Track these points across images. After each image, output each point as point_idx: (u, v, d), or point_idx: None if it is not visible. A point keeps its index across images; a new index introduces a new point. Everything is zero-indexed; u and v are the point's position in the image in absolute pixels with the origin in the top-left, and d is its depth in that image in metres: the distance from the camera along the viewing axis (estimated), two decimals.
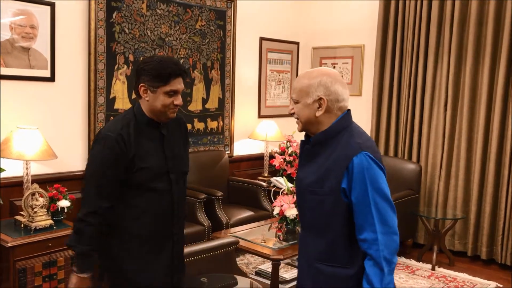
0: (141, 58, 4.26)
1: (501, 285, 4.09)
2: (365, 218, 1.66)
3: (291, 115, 1.86)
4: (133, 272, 2.03)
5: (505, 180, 4.41)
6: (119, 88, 4.16)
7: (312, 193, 1.77)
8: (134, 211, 2.00)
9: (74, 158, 3.96)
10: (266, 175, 5.33)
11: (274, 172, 5.31)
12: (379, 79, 5.21)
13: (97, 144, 1.97)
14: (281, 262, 3.44)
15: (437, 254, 4.44)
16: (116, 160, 1.93)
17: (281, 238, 3.78)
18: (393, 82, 5.12)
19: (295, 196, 3.80)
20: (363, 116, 5.45)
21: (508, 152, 4.38)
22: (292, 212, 3.71)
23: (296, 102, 1.82)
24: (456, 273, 4.29)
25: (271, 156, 5.34)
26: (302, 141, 1.90)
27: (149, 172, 1.98)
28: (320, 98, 1.76)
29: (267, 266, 3.79)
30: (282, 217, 3.77)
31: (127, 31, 4.17)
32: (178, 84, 1.98)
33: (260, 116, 5.55)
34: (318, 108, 1.77)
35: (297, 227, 3.74)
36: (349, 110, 1.82)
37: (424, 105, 4.89)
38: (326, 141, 1.78)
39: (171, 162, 2.05)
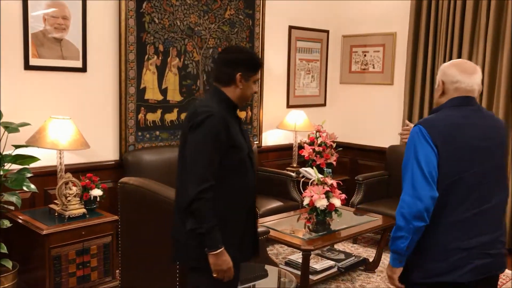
0: (170, 49, 4.27)
1: None
2: (404, 180, 1.90)
3: None
4: (234, 248, 2.08)
5: None
6: (149, 79, 4.18)
7: None
8: (229, 189, 2.06)
9: (105, 148, 4.01)
10: (295, 165, 5.29)
11: (303, 162, 5.26)
12: (411, 68, 5.09)
13: (203, 122, 1.99)
14: (311, 252, 3.41)
15: None
16: (220, 138, 2.00)
17: (310, 229, 3.75)
18: (426, 71, 4.99)
19: (325, 187, 3.77)
20: (394, 106, 5.35)
21: None
22: (322, 202, 3.67)
23: None
24: None
25: (300, 147, 5.29)
26: None
27: (240, 151, 2.10)
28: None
29: (297, 257, 3.77)
30: (312, 208, 3.73)
31: (156, 21, 4.17)
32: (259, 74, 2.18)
33: (288, 106, 5.50)
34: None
35: None
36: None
37: None
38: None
39: (248, 143, 2.20)
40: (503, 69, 4.46)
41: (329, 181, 3.77)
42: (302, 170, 5.05)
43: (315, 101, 5.87)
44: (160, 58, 4.23)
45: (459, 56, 4.73)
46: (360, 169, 5.60)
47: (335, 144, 5.30)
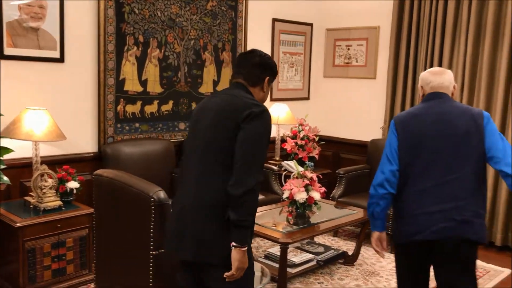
0: (150, 39, 4.22)
1: None
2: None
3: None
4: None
5: None
6: (129, 70, 4.13)
7: None
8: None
9: (84, 140, 3.96)
10: (277, 159, 5.28)
11: (286, 156, 5.25)
12: (394, 61, 5.09)
13: (262, 115, 2.03)
14: (290, 245, 3.41)
15: None
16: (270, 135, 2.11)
17: (291, 222, 3.74)
18: (408, 64, 5.00)
19: (305, 180, 3.76)
20: (377, 100, 5.35)
21: None
22: (301, 196, 3.66)
23: None
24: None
25: (283, 140, 5.28)
26: None
27: None
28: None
29: (276, 250, 3.76)
30: (292, 201, 3.72)
31: (136, 11, 4.11)
32: None
33: (272, 99, 5.48)
34: None
35: None
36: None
37: None
38: None
39: None
40: (483, 62, 4.48)
41: (309, 174, 3.76)
42: (284, 163, 5.04)
43: (299, 94, 5.85)
44: (140, 49, 4.18)
45: (441, 50, 4.74)
46: (342, 162, 5.61)
47: (317, 137, 5.29)
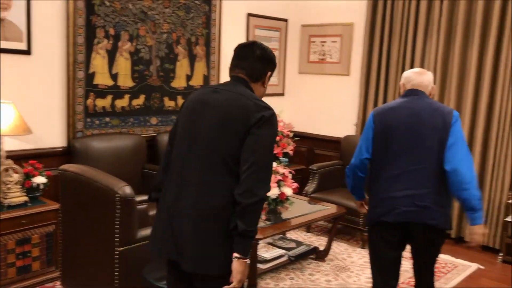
0: (122, 32, 4.15)
1: (482, 267, 4.08)
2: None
3: None
4: None
5: (490, 163, 4.38)
6: (99, 63, 4.05)
7: None
8: None
9: (51, 134, 3.87)
10: None
11: None
12: (367, 59, 5.12)
13: (271, 119, 1.90)
14: (261, 241, 3.40)
15: None
16: None
17: (263, 218, 3.73)
18: (381, 62, 5.03)
19: (277, 176, 3.75)
20: (351, 96, 5.37)
21: (493, 135, 4.34)
22: (273, 191, 3.65)
23: None
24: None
25: None
26: None
27: None
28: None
29: None
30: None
31: (107, 3, 4.03)
32: None
33: None
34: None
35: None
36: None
37: None
38: None
39: None
40: (454, 61, 4.53)
41: (281, 170, 3.75)
42: None
43: (274, 90, 5.84)
44: (110, 42, 4.10)
45: (413, 48, 4.78)
46: (317, 158, 5.62)
47: (292, 133, 5.30)
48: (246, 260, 1.84)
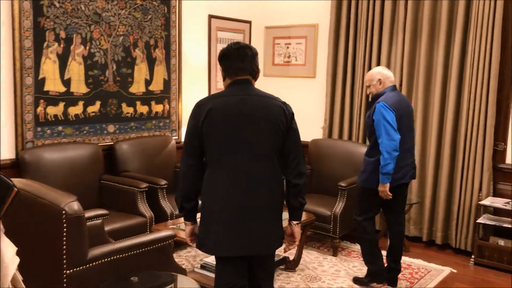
0: (74, 35, 3.89)
1: (455, 270, 4.00)
2: (379, 132, 3.25)
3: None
4: None
5: (459, 164, 4.31)
6: (49, 68, 3.77)
7: (366, 122, 3.45)
8: None
9: None
10: None
11: None
12: (333, 60, 5.00)
13: (294, 114, 2.34)
14: None
15: None
16: None
17: None
18: (347, 63, 4.92)
19: None
20: (317, 99, 5.24)
21: (462, 135, 4.27)
22: None
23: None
24: (411, 260, 4.18)
25: None
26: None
27: None
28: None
29: (213, 259, 3.52)
30: None
31: (57, 4, 3.77)
32: None
33: None
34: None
35: None
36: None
37: None
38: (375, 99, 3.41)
39: None
40: (421, 60, 4.46)
41: None
42: None
43: None
44: (62, 45, 3.83)
45: (379, 49, 4.69)
46: None
47: None
48: (299, 223, 2.40)
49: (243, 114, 2.19)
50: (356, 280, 3.69)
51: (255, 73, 2.30)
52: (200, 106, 2.22)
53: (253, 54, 2.27)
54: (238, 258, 2.25)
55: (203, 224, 2.25)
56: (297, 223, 2.36)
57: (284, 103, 2.30)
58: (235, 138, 2.19)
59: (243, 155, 2.18)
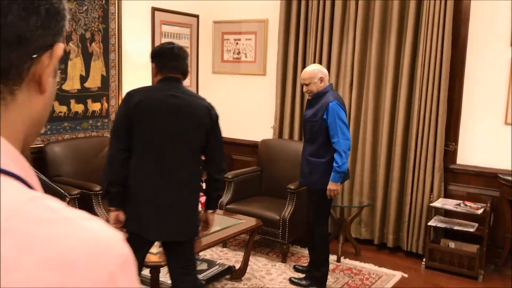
0: None
1: (406, 275, 3.89)
2: (334, 132, 3.24)
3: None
4: None
5: (410, 164, 4.20)
6: None
7: (310, 122, 3.38)
8: None
9: None
10: None
11: None
12: (283, 57, 4.80)
13: (218, 115, 2.55)
14: (161, 268, 2.93)
15: (343, 244, 4.15)
16: None
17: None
18: (297, 61, 4.73)
19: None
20: (268, 97, 5.03)
21: (413, 135, 4.17)
22: None
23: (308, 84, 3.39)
24: (362, 264, 4.04)
25: None
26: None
27: None
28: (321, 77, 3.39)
29: (148, 271, 3.25)
30: None
31: None
32: None
33: None
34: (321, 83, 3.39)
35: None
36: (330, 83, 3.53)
37: None
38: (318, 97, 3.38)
39: None
40: (371, 59, 4.33)
41: None
42: None
43: None
44: None
45: (330, 46, 4.53)
46: (234, 164, 5.23)
47: None
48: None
49: (170, 110, 2.34)
50: (293, 281, 3.56)
51: (186, 74, 2.46)
52: (131, 95, 2.37)
53: (186, 55, 2.47)
54: (149, 241, 2.54)
55: (130, 209, 2.41)
56: (212, 212, 2.62)
57: (210, 104, 2.47)
58: (161, 132, 2.34)
59: (168, 148, 2.35)
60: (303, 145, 3.62)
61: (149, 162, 2.36)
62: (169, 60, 2.38)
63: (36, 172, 1.44)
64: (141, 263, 2.63)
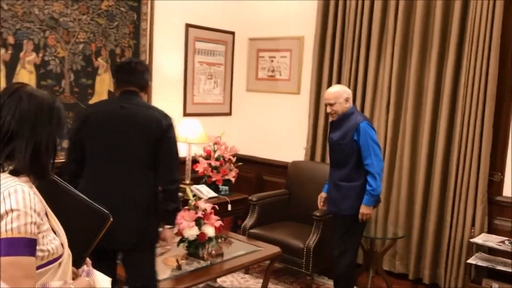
0: (24, 41, 3.54)
1: None
2: (367, 153, 3.17)
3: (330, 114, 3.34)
4: None
5: (450, 194, 3.84)
6: None
7: (339, 145, 3.28)
8: None
9: None
10: (188, 182, 4.63)
11: (198, 179, 4.64)
12: (317, 76, 4.59)
13: (173, 125, 2.56)
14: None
15: (373, 277, 3.84)
16: None
17: (179, 263, 3.10)
18: (331, 79, 4.49)
19: (198, 212, 3.15)
20: (301, 117, 4.81)
21: (454, 162, 3.82)
22: (191, 232, 3.04)
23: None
24: None
25: (195, 161, 4.66)
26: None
27: None
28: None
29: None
30: (181, 239, 3.10)
31: (5, 7, 3.42)
32: None
33: (186, 114, 4.86)
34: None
35: None
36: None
37: (365, 105, 4.28)
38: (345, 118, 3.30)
39: None
40: (410, 77, 4.04)
41: (203, 205, 3.15)
42: (194, 188, 4.41)
43: (219, 109, 5.27)
44: (9, 52, 3.48)
45: (366, 63, 4.27)
46: (266, 185, 5.05)
47: (235, 158, 4.72)
48: (173, 228, 2.62)
49: (115, 120, 2.45)
50: None
51: (144, 87, 2.57)
52: (85, 109, 2.58)
53: (144, 69, 2.58)
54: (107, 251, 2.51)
55: None
56: (170, 228, 2.56)
57: (165, 114, 2.51)
58: (107, 142, 2.44)
59: (115, 157, 2.43)
60: (329, 170, 3.40)
61: (97, 172, 2.47)
62: (125, 74, 2.52)
63: (78, 194, 1.45)
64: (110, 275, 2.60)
